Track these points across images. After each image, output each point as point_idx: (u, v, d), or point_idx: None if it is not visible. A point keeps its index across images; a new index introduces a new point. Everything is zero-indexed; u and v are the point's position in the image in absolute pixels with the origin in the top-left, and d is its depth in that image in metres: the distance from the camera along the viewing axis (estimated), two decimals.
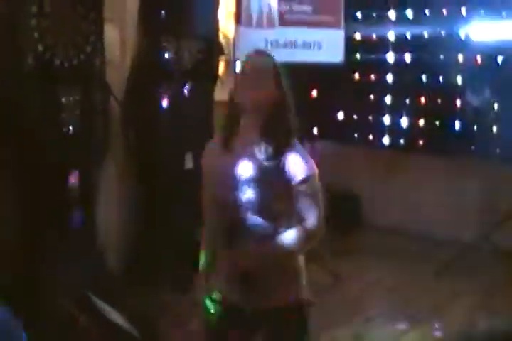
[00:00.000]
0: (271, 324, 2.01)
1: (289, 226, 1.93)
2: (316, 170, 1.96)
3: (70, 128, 3.26)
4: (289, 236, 1.93)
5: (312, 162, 1.97)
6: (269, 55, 2.01)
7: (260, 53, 2.03)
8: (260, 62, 1.96)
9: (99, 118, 3.43)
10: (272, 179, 1.90)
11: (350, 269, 4.30)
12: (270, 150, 1.91)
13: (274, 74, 1.95)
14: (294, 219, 1.94)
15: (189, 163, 3.79)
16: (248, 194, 1.91)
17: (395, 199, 5.29)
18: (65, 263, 2.93)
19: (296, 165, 1.92)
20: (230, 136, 1.98)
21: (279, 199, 1.93)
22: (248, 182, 1.90)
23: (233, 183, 1.92)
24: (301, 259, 2.06)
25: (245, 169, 1.92)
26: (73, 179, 3.19)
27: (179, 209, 3.68)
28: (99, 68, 3.39)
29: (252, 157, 1.92)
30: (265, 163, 1.90)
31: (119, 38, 3.76)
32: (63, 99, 3.22)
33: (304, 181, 1.92)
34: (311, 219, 1.93)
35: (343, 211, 5.17)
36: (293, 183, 1.91)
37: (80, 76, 3.31)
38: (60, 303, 2.64)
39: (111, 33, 3.60)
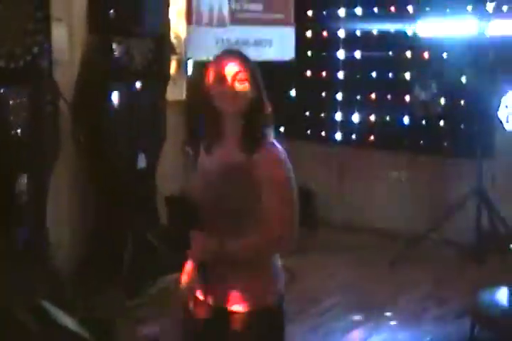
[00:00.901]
0: (231, 327, 1.94)
1: (256, 230, 1.88)
2: (292, 174, 1.91)
3: (18, 131, 3.17)
4: (250, 241, 1.87)
5: (288, 163, 1.92)
6: (242, 55, 1.97)
7: (233, 54, 1.98)
8: (236, 64, 1.92)
9: (48, 120, 3.35)
10: (247, 175, 1.87)
11: (306, 266, 4.32)
12: (251, 146, 1.89)
13: (251, 72, 1.93)
14: (263, 221, 1.87)
15: (142, 163, 3.73)
16: (222, 190, 1.89)
17: (348, 195, 5.34)
18: (16, 270, 2.83)
19: (274, 167, 1.88)
20: (212, 139, 1.97)
21: (252, 199, 1.88)
22: (223, 178, 1.89)
23: (211, 181, 1.92)
24: (275, 260, 1.99)
25: (222, 167, 1.91)
26: (22, 183, 3.07)
27: (133, 210, 3.62)
28: (46, 69, 3.30)
29: (230, 155, 1.92)
30: (242, 158, 1.88)
31: (67, 37, 3.67)
32: (11, 102, 3.12)
33: (277, 183, 1.87)
34: (277, 225, 1.86)
35: (299, 208, 5.18)
36: (269, 184, 1.86)
37: (27, 77, 3.22)
38: (11, 311, 2.54)
39: (59, 32, 3.51)
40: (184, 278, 2.06)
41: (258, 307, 1.93)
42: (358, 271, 4.31)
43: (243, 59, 1.95)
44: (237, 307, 1.93)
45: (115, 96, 3.69)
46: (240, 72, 1.90)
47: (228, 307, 1.94)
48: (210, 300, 1.97)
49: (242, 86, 1.90)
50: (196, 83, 4.32)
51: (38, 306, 2.65)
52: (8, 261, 2.87)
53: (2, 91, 3.09)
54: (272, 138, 1.93)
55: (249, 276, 1.93)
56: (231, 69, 1.91)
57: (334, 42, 5.25)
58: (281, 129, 5.19)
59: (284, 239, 1.89)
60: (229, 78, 1.90)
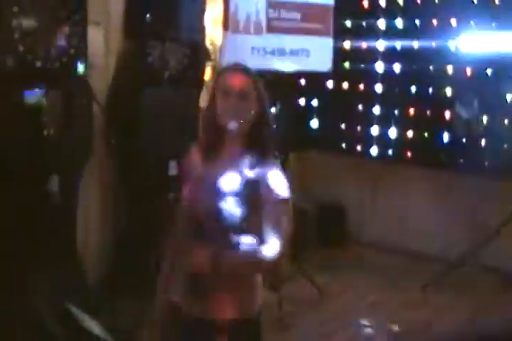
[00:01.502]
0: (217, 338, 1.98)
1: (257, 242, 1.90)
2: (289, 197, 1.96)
3: (52, 132, 3.26)
4: (252, 252, 1.89)
5: (286, 186, 1.96)
6: (248, 70, 2.04)
7: (239, 69, 2.04)
8: (242, 79, 1.99)
9: (81, 123, 3.44)
10: (251, 191, 1.91)
11: (336, 284, 4.33)
12: (254, 159, 1.95)
13: (255, 88, 2.00)
14: (261, 236, 1.90)
15: (173, 170, 3.80)
16: (225, 204, 1.92)
17: (382, 212, 5.33)
18: (44, 272, 2.91)
19: (278, 183, 1.94)
20: (213, 146, 2.03)
21: (254, 214, 1.91)
22: (228, 192, 1.92)
23: (210, 193, 1.94)
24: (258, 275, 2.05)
25: (227, 179, 1.94)
26: (53, 185, 3.16)
27: (164, 216, 3.67)
28: (82, 71, 3.40)
29: (235, 168, 1.95)
30: (247, 173, 1.93)
31: (103, 40, 3.78)
32: (45, 102, 3.22)
33: (283, 202, 1.93)
34: (277, 242, 1.88)
35: (329, 223, 5.22)
36: (272, 200, 1.90)
37: (63, 79, 3.33)
38: (39, 313, 2.62)
39: (95, 36, 3.62)
40: (163, 288, 2.11)
41: (245, 316, 2.00)
42: (389, 293, 4.29)
43: (247, 75, 2.01)
44: (226, 316, 1.98)
45: (149, 102, 3.78)
46: (244, 87, 1.97)
47: (217, 317, 1.97)
48: (195, 311, 1.99)
49: (244, 103, 1.97)
50: None
51: (64, 310, 2.72)
52: (38, 267, 2.95)
53: (37, 91, 3.20)
54: (273, 153, 2.00)
55: (238, 286, 1.99)
56: (237, 82, 1.98)
57: (373, 55, 5.30)
58: (315, 142, 5.26)
59: (280, 254, 1.89)
60: (233, 92, 1.97)
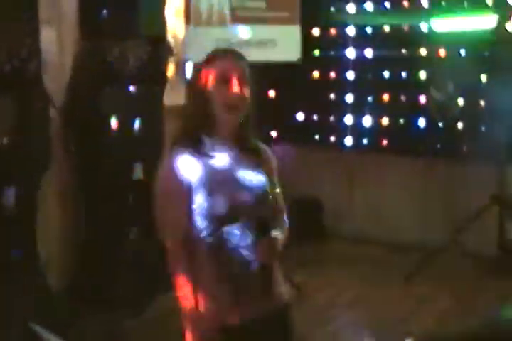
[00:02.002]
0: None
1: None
2: None
3: (6, 140, 3.15)
4: (279, 231, 1.96)
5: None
6: (240, 53, 1.98)
7: (233, 52, 1.98)
8: (240, 64, 1.93)
9: (37, 128, 3.33)
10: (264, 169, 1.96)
11: (315, 281, 4.29)
12: (253, 143, 1.95)
13: (248, 73, 1.93)
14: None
15: (138, 173, 3.70)
16: (245, 194, 1.91)
17: (359, 204, 5.29)
18: (5, 291, 2.82)
19: (271, 162, 2.01)
20: (203, 139, 1.93)
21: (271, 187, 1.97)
22: (243, 185, 1.92)
23: (228, 187, 1.91)
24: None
25: (246, 174, 1.93)
26: (9, 197, 3.06)
27: (129, 222, 3.61)
28: (36, 73, 3.29)
29: (239, 155, 1.94)
30: (252, 155, 1.94)
31: (57, 40, 3.67)
32: None
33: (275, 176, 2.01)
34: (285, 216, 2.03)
35: (306, 218, 5.16)
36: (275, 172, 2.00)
37: (15, 82, 3.21)
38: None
39: (48, 35, 3.51)
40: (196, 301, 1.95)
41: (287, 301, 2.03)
42: (370, 287, 4.25)
43: (242, 58, 1.94)
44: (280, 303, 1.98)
45: (109, 102, 3.67)
46: (244, 70, 1.90)
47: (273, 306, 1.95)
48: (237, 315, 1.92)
49: (245, 85, 1.90)
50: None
51: (28, 329, 2.63)
52: None
53: None
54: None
55: (277, 270, 2.00)
56: (237, 65, 1.90)
57: (343, 41, 5.21)
58: (287, 135, 5.19)
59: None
60: (235, 82, 1.87)
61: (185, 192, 1.90)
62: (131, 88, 3.80)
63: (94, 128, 3.66)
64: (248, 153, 1.96)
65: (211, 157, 1.93)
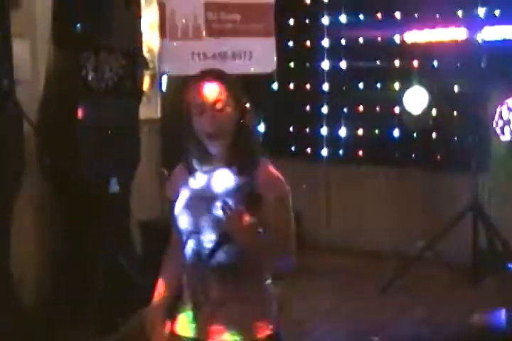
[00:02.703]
0: None
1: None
2: (289, 191, 1.94)
3: None
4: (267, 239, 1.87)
5: (284, 182, 1.94)
6: (218, 74, 1.94)
7: (208, 76, 1.92)
8: (214, 88, 1.89)
9: (11, 143, 3.27)
10: (243, 196, 1.87)
11: (291, 291, 4.26)
12: (241, 167, 1.90)
13: (231, 92, 1.90)
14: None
15: (114, 187, 3.67)
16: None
17: (336, 214, 5.30)
18: None
19: (273, 181, 1.92)
20: (201, 160, 1.94)
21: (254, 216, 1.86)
22: (222, 199, 1.88)
23: (206, 204, 1.90)
24: (269, 285, 2.00)
25: (219, 188, 1.91)
26: None
27: (105, 237, 3.56)
28: (8, 88, 3.23)
29: (222, 177, 1.92)
30: (236, 181, 1.90)
31: (29, 54, 3.63)
32: None
33: (280, 200, 1.90)
34: (290, 243, 1.93)
35: None
36: (268, 199, 1.87)
37: None
38: None
39: (20, 49, 3.46)
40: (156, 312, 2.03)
41: (260, 335, 1.93)
42: (347, 297, 4.25)
43: (223, 82, 1.90)
44: (238, 337, 1.90)
45: (84, 116, 3.63)
46: (219, 100, 1.87)
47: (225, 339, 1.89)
48: (203, 334, 1.91)
49: (222, 114, 1.87)
50: (172, 100, 4.31)
51: None
52: None
53: None
54: (261, 151, 1.96)
55: (250, 300, 1.92)
56: (210, 96, 1.87)
57: (318, 53, 5.25)
58: (262, 146, 5.16)
59: (292, 257, 1.93)
60: (208, 107, 1.87)
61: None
62: (107, 102, 3.76)
63: (69, 142, 3.61)
64: (238, 174, 1.91)
65: (194, 177, 1.96)
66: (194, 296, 1.92)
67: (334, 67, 5.22)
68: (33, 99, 3.60)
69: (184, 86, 1.95)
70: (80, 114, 3.62)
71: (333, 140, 5.25)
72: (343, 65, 5.20)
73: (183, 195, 1.96)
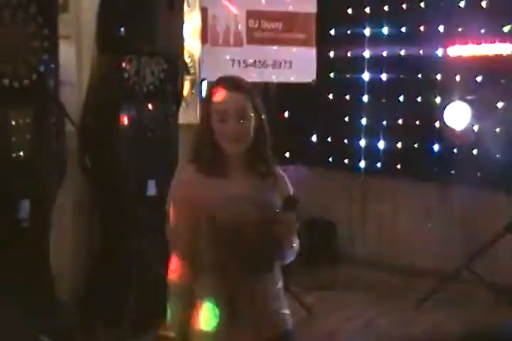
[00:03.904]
0: None
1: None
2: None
3: (21, 153, 3.21)
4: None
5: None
6: (240, 84, 2.00)
7: (232, 85, 1.98)
8: (237, 98, 1.96)
9: (53, 143, 3.38)
10: (261, 202, 1.96)
11: (326, 303, 4.29)
12: (260, 172, 1.99)
13: (252, 102, 1.97)
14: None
15: (151, 190, 3.75)
16: (246, 217, 1.95)
17: (372, 227, 5.31)
18: (14, 305, 2.84)
19: (286, 186, 2.04)
20: (213, 165, 1.99)
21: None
22: (244, 205, 1.95)
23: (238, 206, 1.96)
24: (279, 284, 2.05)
25: (238, 191, 1.97)
26: (23, 211, 3.10)
27: (142, 240, 3.63)
28: (53, 88, 3.36)
29: (244, 184, 1.98)
30: (255, 185, 1.97)
31: (75, 56, 3.75)
32: (13, 122, 3.17)
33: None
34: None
35: (318, 240, 5.18)
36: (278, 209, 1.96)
37: (33, 97, 3.27)
38: None
39: (66, 51, 3.58)
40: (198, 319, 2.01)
41: (288, 328, 2.03)
42: (381, 312, 4.25)
43: (241, 90, 1.96)
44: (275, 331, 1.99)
45: (125, 119, 3.74)
46: (243, 109, 1.94)
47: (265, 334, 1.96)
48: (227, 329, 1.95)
49: (244, 124, 1.94)
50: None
51: None
52: (10, 290, 2.89)
53: (5, 111, 3.14)
54: (275, 163, 2.05)
55: (269, 295, 1.99)
56: (234, 106, 1.94)
57: (359, 64, 5.29)
58: (301, 156, 5.22)
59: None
60: (231, 116, 1.93)
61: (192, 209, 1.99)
62: (147, 105, 3.86)
63: (109, 144, 3.71)
64: (254, 178, 2.00)
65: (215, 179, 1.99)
66: (230, 294, 1.95)
67: (375, 79, 5.25)
68: (76, 101, 3.71)
69: (208, 90, 2.03)
70: (121, 117, 3.73)
71: (372, 152, 5.26)
72: (383, 77, 5.24)
73: (212, 196, 1.97)
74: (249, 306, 1.95)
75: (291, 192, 2.06)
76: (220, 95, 1.96)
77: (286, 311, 2.05)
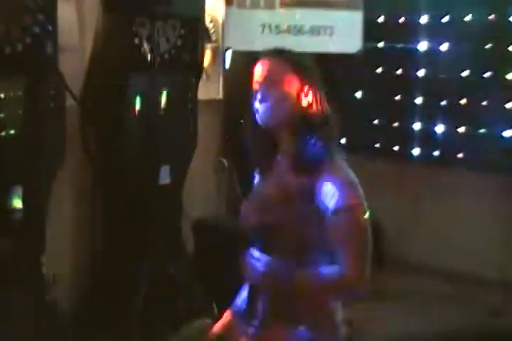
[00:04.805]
0: None
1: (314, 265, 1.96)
2: (361, 201, 1.96)
3: (11, 131, 3.21)
4: (308, 276, 1.95)
5: (356, 189, 1.96)
6: (284, 52, 2.02)
7: (272, 52, 2.02)
8: (270, 64, 1.98)
9: (49, 119, 3.38)
10: (300, 200, 1.94)
11: (369, 318, 4.26)
12: (302, 165, 1.95)
13: (294, 72, 1.96)
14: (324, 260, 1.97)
15: (165, 178, 3.76)
16: (270, 216, 1.96)
17: (426, 227, 5.28)
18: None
19: (332, 190, 1.93)
20: (258, 154, 2.05)
21: (306, 228, 1.94)
22: (280, 204, 1.96)
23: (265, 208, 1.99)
24: (336, 311, 2.07)
25: (278, 192, 1.98)
26: (15, 197, 3.12)
27: (152, 236, 3.65)
28: (50, 55, 3.35)
29: (285, 178, 1.98)
30: (295, 181, 1.95)
31: (76, 17, 3.76)
32: (1, 95, 3.17)
33: (338, 212, 1.92)
34: (344, 264, 1.93)
35: None
36: (326, 212, 1.93)
37: (26, 64, 3.27)
38: None
39: (66, 12, 3.58)
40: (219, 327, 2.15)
41: None
42: (437, 329, 4.19)
43: (281, 57, 1.98)
44: None
45: (134, 92, 3.73)
46: (270, 76, 1.95)
47: None
48: None
49: (274, 93, 1.95)
50: (237, 80, 4.39)
51: None
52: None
53: None
54: (338, 156, 2.00)
55: (309, 323, 1.98)
56: (259, 73, 1.98)
57: (414, 31, 5.23)
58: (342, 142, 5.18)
59: (359, 281, 1.97)
60: (258, 85, 1.98)
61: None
62: (161, 77, 3.84)
63: (116, 123, 3.71)
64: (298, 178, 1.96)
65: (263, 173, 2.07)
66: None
67: (433, 50, 5.19)
68: (77, 70, 3.70)
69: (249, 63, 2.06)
70: (129, 90, 3.73)
71: (428, 138, 5.23)
72: (444, 47, 5.16)
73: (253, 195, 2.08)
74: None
75: (336, 199, 1.92)
76: (259, 64, 2.01)
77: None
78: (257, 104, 1.97)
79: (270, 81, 1.95)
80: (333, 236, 1.92)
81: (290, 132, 1.98)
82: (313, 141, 1.95)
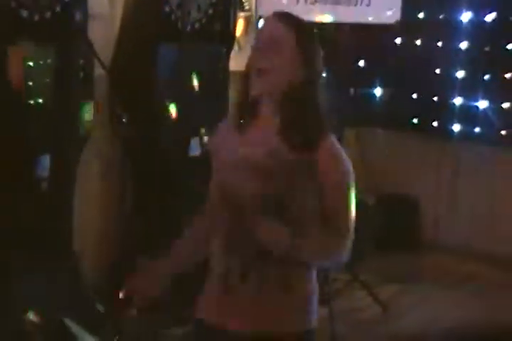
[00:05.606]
0: None
1: (305, 234, 1.99)
2: (353, 175, 2.01)
3: (40, 100, 3.28)
4: (309, 241, 1.98)
5: (349, 163, 2.01)
6: (288, 16, 2.02)
7: (277, 15, 2.03)
8: (274, 26, 1.98)
9: (78, 88, 3.45)
10: (294, 175, 1.96)
11: (405, 298, 4.30)
12: (295, 142, 1.97)
13: (296, 38, 1.97)
14: (315, 227, 2.00)
15: (195, 149, 3.81)
16: (262, 187, 1.97)
17: (464, 206, 5.28)
18: (32, 276, 2.96)
19: (329, 165, 1.98)
20: (244, 122, 2.05)
21: (299, 199, 1.98)
22: (264, 172, 1.97)
23: (244, 173, 1.99)
24: (313, 278, 2.09)
25: (260, 159, 1.98)
26: (42, 167, 3.19)
27: (183, 207, 3.70)
28: (79, 23, 3.40)
29: (271, 147, 1.98)
30: (288, 157, 1.96)
31: None
32: (31, 63, 3.24)
33: (341, 186, 1.98)
34: (342, 225, 1.99)
35: (395, 220, 5.18)
36: (322, 186, 1.97)
37: (55, 32, 3.34)
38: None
39: None
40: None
41: (288, 330, 2.03)
42: (473, 312, 4.23)
43: (285, 21, 1.98)
44: (270, 329, 2.01)
45: (164, 62, 3.78)
46: (272, 38, 1.95)
47: (255, 329, 2.00)
48: (232, 322, 2.02)
49: (273, 56, 1.94)
50: None
51: (59, 326, 2.78)
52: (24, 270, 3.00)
53: (21, 49, 3.20)
54: (327, 130, 2.01)
55: (292, 290, 2.02)
56: (262, 34, 1.99)
57: (456, 1, 5.20)
58: (376, 116, 5.21)
59: (346, 244, 2.02)
60: (259, 46, 1.98)
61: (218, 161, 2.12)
62: (192, 46, 3.88)
63: (146, 93, 3.76)
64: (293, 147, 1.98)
65: (241, 137, 2.05)
66: (228, 273, 2.01)
67: (477, 21, 5.16)
68: (107, 38, 3.75)
69: None
70: (159, 60, 3.78)
71: (469, 113, 5.21)
72: (489, 18, 5.14)
73: (223, 154, 2.07)
74: (266, 296, 2.00)
75: (333, 174, 1.97)
76: (260, 25, 2.04)
77: (312, 309, 2.07)
78: (257, 59, 1.97)
79: (278, 38, 1.95)
80: (326, 210, 1.99)
81: (280, 100, 1.99)
82: (299, 113, 1.98)
